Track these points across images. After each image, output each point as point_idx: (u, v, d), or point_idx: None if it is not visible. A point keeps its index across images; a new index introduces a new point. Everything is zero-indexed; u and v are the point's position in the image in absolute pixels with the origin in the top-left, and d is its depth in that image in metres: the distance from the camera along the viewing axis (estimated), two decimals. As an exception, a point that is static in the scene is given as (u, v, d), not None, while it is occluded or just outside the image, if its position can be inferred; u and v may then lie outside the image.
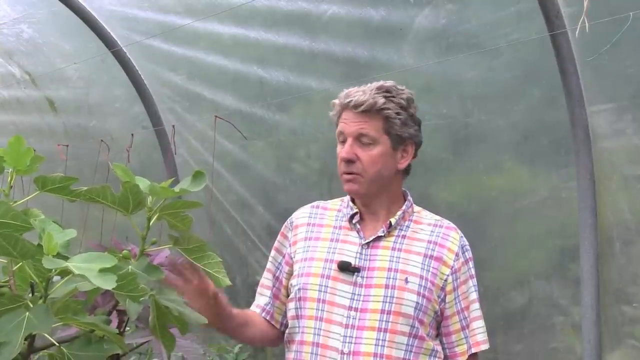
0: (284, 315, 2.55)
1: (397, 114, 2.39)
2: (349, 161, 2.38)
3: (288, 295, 2.51)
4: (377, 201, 2.46)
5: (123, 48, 4.74)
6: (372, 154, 2.38)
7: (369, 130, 2.38)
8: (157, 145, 4.86)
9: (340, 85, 2.53)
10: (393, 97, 2.39)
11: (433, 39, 3.69)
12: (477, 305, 2.43)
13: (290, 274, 2.53)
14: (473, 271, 2.45)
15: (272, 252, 2.63)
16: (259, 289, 2.64)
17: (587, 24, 2.47)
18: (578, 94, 3.18)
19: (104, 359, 1.95)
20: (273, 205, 4.40)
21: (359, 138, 2.38)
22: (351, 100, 2.37)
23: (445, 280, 2.40)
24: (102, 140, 5.08)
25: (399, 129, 2.40)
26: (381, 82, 2.42)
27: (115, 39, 4.73)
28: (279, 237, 2.63)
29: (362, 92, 2.38)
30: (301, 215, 2.61)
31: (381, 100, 2.36)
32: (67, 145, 5.29)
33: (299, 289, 2.45)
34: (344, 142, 2.41)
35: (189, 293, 2.27)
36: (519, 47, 3.39)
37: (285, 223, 2.62)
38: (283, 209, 4.12)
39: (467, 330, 2.41)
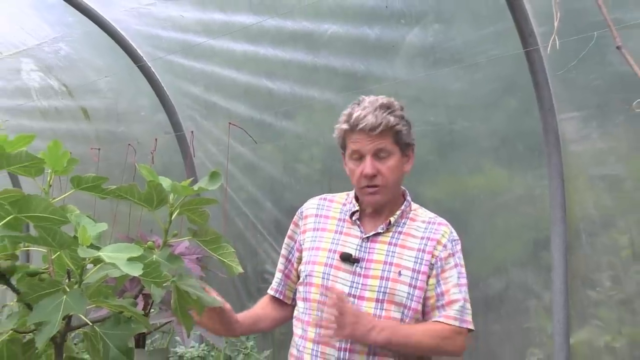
0: (294, 293, 2.57)
1: (404, 125, 2.41)
2: (373, 176, 2.39)
3: (299, 277, 2.53)
4: (385, 203, 2.47)
5: (148, 63, 4.75)
6: (390, 165, 2.39)
7: (385, 145, 2.38)
8: (178, 149, 4.86)
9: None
10: (394, 111, 2.40)
11: (422, 54, 3.68)
12: (457, 289, 2.39)
13: (300, 260, 2.55)
14: (460, 262, 2.44)
15: (286, 239, 2.65)
16: (276, 272, 2.68)
17: (557, 42, 2.46)
18: (549, 104, 3.19)
19: (132, 337, 1.97)
20: (280, 202, 4.41)
21: (377, 154, 2.38)
22: (365, 125, 2.35)
23: (431, 268, 2.40)
24: (129, 145, 5.08)
25: (405, 137, 2.42)
26: (379, 101, 2.41)
27: (141, 55, 4.73)
28: (291, 225, 2.64)
29: (371, 115, 2.35)
30: (310, 206, 2.62)
31: (392, 119, 2.36)
32: (99, 149, 5.30)
33: (306, 275, 2.47)
34: (358, 159, 2.41)
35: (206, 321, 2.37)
36: (497, 62, 3.39)
37: (297, 213, 2.64)
38: (289, 205, 4.12)
39: (441, 310, 2.38)
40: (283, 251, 2.65)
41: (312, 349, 2.40)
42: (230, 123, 4.44)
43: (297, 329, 2.49)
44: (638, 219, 3.07)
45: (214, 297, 2.09)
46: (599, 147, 3.18)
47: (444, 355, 2.43)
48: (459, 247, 2.46)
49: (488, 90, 3.53)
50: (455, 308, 2.38)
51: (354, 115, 2.39)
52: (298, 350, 2.45)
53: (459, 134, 3.64)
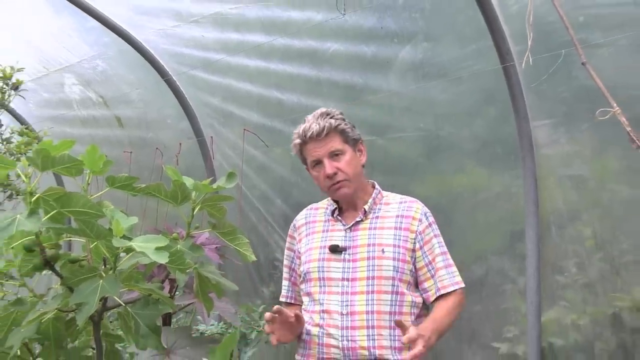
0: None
1: (345, 125, 2.46)
2: (334, 174, 2.42)
3: (301, 279, 2.55)
4: (356, 196, 2.50)
5: (173, 77, 4.75)
6: (347, 160, 2.44)
7: (335, 145, 2.44)
8: (199, 152, 4.86)
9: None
10: (333, 115, 2.47)
11: (412, 69, 3.68)
12: (441, 257, 2.42)
13: (300, 264, 2.56)
14: (437, 232, 2.46)
15: (286, 251, 2.68)
16: (282, 281, 2.69)
17: (530, 59, 2.47)
18: (524, 113, 3.19)
19: (159, 316, 1.97)
20: (288, 199, 4.41)
21: (331, 155, 2.42)
22: (312, 133, 2.42)
23: (414, 242, 2.42)
24: (157, 148, 5.09)
25: (352, 134, 2.46)
26: (319, 111, 2.48)
27: (167, 70, 4.73)
28: (288, 238, 2.68)
29: (315, 124, 2.43)
30: (300, 217, 2.66)
31: (332, 121, 2.44)
32: (131, 152, 5.31)
33: (305, 273, 2.51)
34: (318, 165, 2.46)
35: (288, 336, 2.36)
36: (479, 76, 3.40)
37: (290, 226, 2.68)
38: (296, 201, 4.13)
39: (434, 278, 2.41)
40: (285, 262, 2.67)
41: (319, 332, 2.42)
42: (244, 129, 4.45)
43: (305, 317, 2.50)
44: (600, 214, 3.08)
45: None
46: (567, 151, 3.18)
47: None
48: (432, 219, 2.48)
49: (470, 100, 3.53)
50: (444, 275, 2.41)
51: (302, 129, 2.46)
52: (307, 333, 2.47)
53: (444, 139, 3.64)
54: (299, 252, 2.58)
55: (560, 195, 3.18)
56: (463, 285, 2.42)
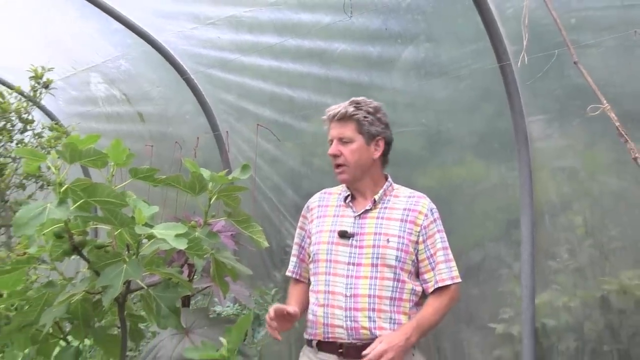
0: (308, 272, 2.60)
1: (365, 117, 2.45)
2: (335, 156, 2.47)
3: (310, 258, 2.56)
4: (362, 184, 2.51)
5: (191, 76, 4.76)
6: (352, 149, 2.45)
7: (346, 132, 2.45)
8: (216, 146, 4.87)
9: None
10: (362, 106, 2.47)
11: (415, 68, 3.67)
12: (442, 252, 2.44)
13: (310, 244, 2.57)
14: (440, 227, 2.48)
15: (297, 230, 2.69)
16: (291, 257, 2.70)
17: (526, 58, 2.47)
18: (519, 108, 3.18)
19: (178, 299, 1.99)
20: (299, 189, 4.41)
21: (340, 139, 2.44)
22: (331, 114, 2.47)
23: (418, 235, 2.43)
24: (176, 142, 5.09)
25: (368, 128, 2.45)
26: (353, 98, 2.50)
27: (186, 69, 4.74)
28: (300, 218, 2.68)
29: (337, 106, 2.46)
30: (314, 200, 2.66)
31: (351, 109, 2.45)
32: (152, 146, 5.31)
33: (314, 254, 2.51)
34: (331, 144, 2.50)
35: (288, 326, 2.43)
36: (477, 75, 3.39)
37: (304, 207, 2.68)
38: (306, 192, 4.13)
39: (434, 271, 2.43)
40: (296, 239, 2.68)
41: (324, 312, 2.43)
42: (258, 124, 4.46)
43: (311, 299, 2.52)
44: (590, 203, 3.07)
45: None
46: (560, 145, 3.17)
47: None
48: (437, 214, 2.49)
49: (469, 97, 3.52)
50: (444, 269, 2.43)
51: (330, 108, 2.50)
52: (313, 314, 2.48)
53: (445, 133, 3.63)
54: (310, 232, 2.58)
55: (553, 186, 3.17)
56: (459, 280, 2.45)
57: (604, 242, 3.00)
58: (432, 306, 2.42)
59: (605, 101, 2.11)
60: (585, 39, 2.88)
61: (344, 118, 2.44)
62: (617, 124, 2.08)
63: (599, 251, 3.01)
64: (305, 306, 2.57)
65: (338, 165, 2.47)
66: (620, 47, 2.83)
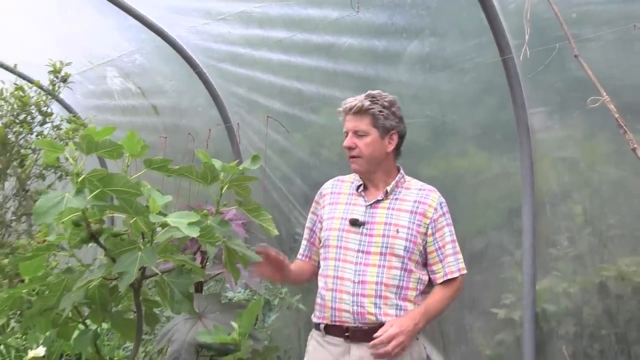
0: (318, 256, 2.60)
1: (380, 111, 2.44)
2: (350, 148, 2.46)
3: (320, 243, 2.56)
4: (375, 175, 2.50)
5: (203, 69, 4.76)
6: (366, 142, 2.44)
7: (361, 125, 2.44)
8: (227, 137, 4.87)
9: (355, 94, 2.54)
10: (377, 100, 2.45)
11: (420, 62, 3.67)
12: (450, 245, 2.46)
13: (321, 229, 2.58)
14: (449, 221, 2.49)
15: (310, 215, 2.69)
16: (302, 241, 2.71)
17: (528, 52, 2.46)
18: (521, 101, 3.16)
19: (191, 285, 2.00)
20: (307, 179, 4.42)
21: (355, 132, 2.44)
22: (347, 107, 2.45)
23: (427, 228, 2.44)
24: (189, 134, 5.10)
25: (383, 122, 2.44)
26: (369, 92, 2.48)
27: (198, 63, 4.74)
28: (313, 203, 2.68)
29: (354, 100, 2.44)
30: (327, 187, 2.65)
31: (367, 103, 2.43)
32: (166, 137, 5.32)
33: (325, 239, 2.51)
34: (346, 135, 2.49)
35: (268, 271, 2.48)
36: (480, 68, 3.38)
37: (317, 193, 2.68)
38: (314, 182, 4.14)
39: (443, 263, 2.44)
40: (308, 224, 2.68)
41: (332, 297, 2.44)
42: (268, 116, 4.45)
43: (320, 283, 2.53)
44: (589, 192, 3.06)
45: (255, 254, 2.13)
46: (560, 136, 3.15)
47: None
48: (446, 208, 2.50)
49: (472, 90, 3.51)
50: (452, 262, 2.45)
51: (346, 101, 2.49)
52: (321, 298, 2.49)
53: (449, 125, 3.63)
54: (322, 217, 2.59)
55: (553, 176, 3.16)
56: (465, 271, 2.48)
57: (603, 230, 2.99)
58: (439, 294, 2.44)
59: (604, 93, 2.10)
60: (585, 33, 2.86)
61: (360, 112, 2.43)
62: (617, 115, 2.07)
63: (598, 239, 3.01)
64: (300, 271, 2.63)
65: (352, 156, 2.47)
66: (620, 41, 2.81)
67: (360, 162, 2.46)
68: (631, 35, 2.72)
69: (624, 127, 2.06)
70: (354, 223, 2.46)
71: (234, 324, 2.80)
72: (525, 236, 3.18)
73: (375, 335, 2.28)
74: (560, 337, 3.14)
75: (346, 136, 2.49)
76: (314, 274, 2.65)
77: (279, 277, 2.54)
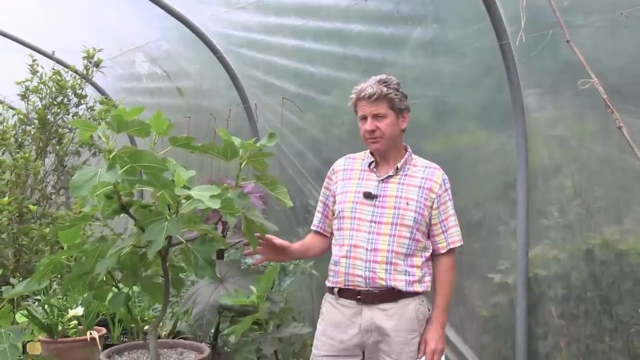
0: (331, 228, 2.61)
1: (395, 95, 2.43)
2: (372, 131, 2.43)
3: (333, 215, 2.57)
4: (389, 153, 2.51)
5: (223, 54, 4.75)
6: (386, 123, 2.44)
7: (380, 110, 2.43)
8: (246, 117, 4.87)
9: (363, 77, 2.54)
10: (390, 85, 2.44)
11: (423, 46, 3.64)
12: (452, 218, 2.51)
13: (334, 203, 2.58)
14: (450, 196, 2.52)
15: (322, 190, 2.70)
16: (315, 213, 2.72)
17: (523, 37, 2.44)
18: (517, 83, 3.14)
19: (214, 252, 2.02)
20: (319, 155, 4.42)
21: (375, 116, 2.42)
22: (365, 94, 2.43)
23: (433, 201, 2.46)
24: (210, 114, 5.10)
25: (398, 104, 2.44)
26: (379, 77, 2.47)
27: (219, 48, 4.72)
28: (326, 179, 2.69)
29: (370, 87, 2.43)
30: (339, 164, 2.66)
31: (384, 89, 2.41)
32: (189, 117, 5.33)
33: (340, 211, 2.53)
34: (363, 120, 2.48)
35: (272, 255, 2.57)
36: (479, 52, 3.35)
37: (330, 169, 2.69)
38: (325, 158, 4.14)
39: (446, 234, 2.48)
40: (321, 197, 2.69)
41: (346, 263, 2.46)
42: (283, 97, 4.45)
43: (334, 250, 2.55)
44: (578, 167, 3.05)
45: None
46: (552, 115, 3.13)
47: None
48: (448, 185, 2.52)
49: (472, 72, 3.48)
50: (454, 233, 2.51)
51: (359, 88, 2.47)
52: (336, 264, 2.52)
53: (450, 104, 3.60)
54: (334, 192, 2.60)
55: (546, 152, 3.14)
56: (461, 242, 2.54)
57: (590, 202, 2.98)
58: (445, 279, 2.50)
59: (594, 76, 2.08)
60: (577, 20, 2.83)
61: (378, 98, 2.42)
62: (605, 96, 2.06)
63: (586, 210, 3.00)
64: (306, 249, 2.67)
65: (374, 137, 2.46)
66: (609, 28, 2.79)
67: (382, 142, 2.47)
68: (619, 22, 2.69)
69: (611, 107, 2.05)
70: (368, 196, 2.47)
71: (253, 288, 2.84)
72: (520, 207, 3.17)
73: (419, 358, 2.42)
74: (549, 299, 3.14)
75: (362, 119, 2.48)
76: (324, 248, 2.67)
77: (282, 258, 2.65)
